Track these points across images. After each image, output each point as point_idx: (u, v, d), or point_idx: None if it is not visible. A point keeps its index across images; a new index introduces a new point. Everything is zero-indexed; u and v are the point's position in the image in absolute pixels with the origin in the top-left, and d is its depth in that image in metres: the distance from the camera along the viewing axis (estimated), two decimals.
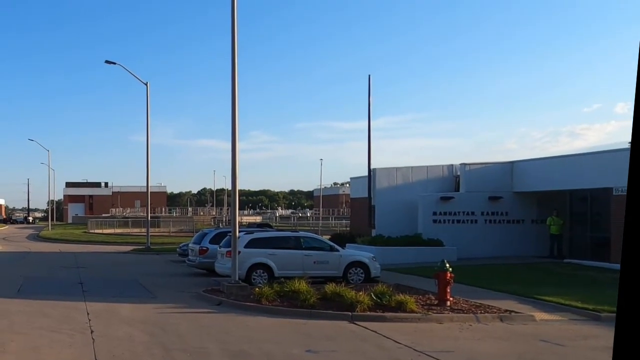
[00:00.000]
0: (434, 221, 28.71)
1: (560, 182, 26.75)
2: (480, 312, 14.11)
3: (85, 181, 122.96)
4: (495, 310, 14.35)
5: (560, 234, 27.52)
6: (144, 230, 44.42)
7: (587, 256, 25.18)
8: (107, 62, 37.74)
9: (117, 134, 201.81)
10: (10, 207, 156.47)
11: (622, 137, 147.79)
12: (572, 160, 27.12)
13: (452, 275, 15.04)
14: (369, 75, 31.03)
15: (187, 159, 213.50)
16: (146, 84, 38.58)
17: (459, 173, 30.92)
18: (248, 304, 15.24)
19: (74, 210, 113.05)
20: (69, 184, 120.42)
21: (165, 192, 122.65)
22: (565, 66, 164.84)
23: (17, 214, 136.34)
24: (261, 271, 19.32)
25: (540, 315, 14.18)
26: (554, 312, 14.60)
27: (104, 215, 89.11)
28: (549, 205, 28.40)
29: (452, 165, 32.02)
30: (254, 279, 18.96)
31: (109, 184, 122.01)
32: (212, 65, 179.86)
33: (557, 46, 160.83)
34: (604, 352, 10.73)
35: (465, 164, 30.29)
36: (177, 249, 31.22)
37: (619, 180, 22.96)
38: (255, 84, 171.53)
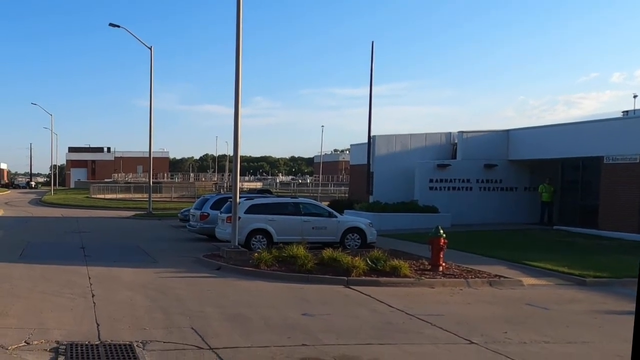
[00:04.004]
0: (430, 188, 28.98)
1: (553, 150, 26.91)
2: (471, 277, 14.51)
3: (88, 146, 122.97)
4: (485, 276, 14.74)
5: (551, 202, 27.78)
6: (145, 195, 44.81)
7: (576, 223, 25.49)
8: (111, 24, 37.37)
9: (121, 99, 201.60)
10: (13, 172, 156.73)
11: (618, 107, 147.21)
12: (564, 129, 27.29)
13: (446, 241, 15.39)
14: (372, 42, 30.80)
15: (190, 124, 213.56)
16: (150, 48, 38.26)
17: (456, 141, 31.00)
18: (247, 268, 15.51)
19: (77, 175, 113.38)
20: (71, 149, 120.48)
21: (167, 158, 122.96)
22: (563, 35, 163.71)
23: (20, 179, 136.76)
24: (260, 236, 19.58)
25: (528, 280, 14.57)
26: (542, 277, 14.98)
27: (106, 180, 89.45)
28: (542, 173, 28.64)
29: (450, 133, 32.11)
30: (254, 244, 19.25)
31: (112, 149, 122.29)
32: (217, 30, 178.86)
33: (555, 14, 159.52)
34: (587, 315, 11.16)
35: (462, 132, 30.40)
36: (179, 215, 31.56)
37: (610, 149, 23.12)
38: (259, 50, 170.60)
